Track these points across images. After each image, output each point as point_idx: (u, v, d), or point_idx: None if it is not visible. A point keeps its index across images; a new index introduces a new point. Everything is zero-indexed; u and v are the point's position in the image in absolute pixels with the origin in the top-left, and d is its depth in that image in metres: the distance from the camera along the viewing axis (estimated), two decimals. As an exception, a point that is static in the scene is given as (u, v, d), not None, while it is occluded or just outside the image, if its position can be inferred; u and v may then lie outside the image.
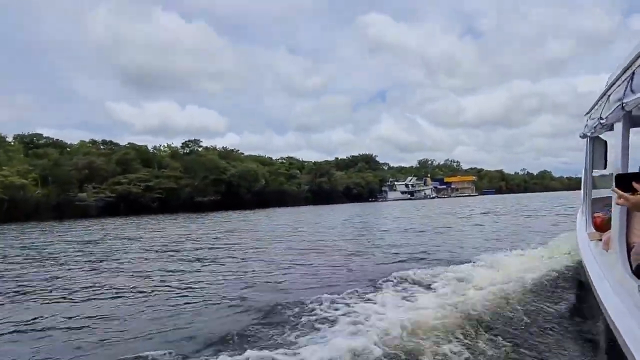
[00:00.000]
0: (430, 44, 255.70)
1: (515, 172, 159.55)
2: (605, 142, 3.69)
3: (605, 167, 3.80)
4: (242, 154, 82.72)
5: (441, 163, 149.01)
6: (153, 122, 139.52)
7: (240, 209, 59.50)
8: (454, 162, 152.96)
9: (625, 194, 1.64)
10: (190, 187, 58.82)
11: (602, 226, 3.50)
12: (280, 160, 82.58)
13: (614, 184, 1.73)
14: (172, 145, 70.11)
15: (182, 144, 67.80)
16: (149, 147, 68.06)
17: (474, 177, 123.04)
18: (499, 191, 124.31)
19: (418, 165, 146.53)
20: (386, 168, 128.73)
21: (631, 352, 1.62)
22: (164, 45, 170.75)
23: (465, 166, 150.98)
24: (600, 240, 3.10)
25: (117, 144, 64.88)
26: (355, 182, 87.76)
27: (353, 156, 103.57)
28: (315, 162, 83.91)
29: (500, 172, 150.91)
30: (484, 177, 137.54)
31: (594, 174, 4.12)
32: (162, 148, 68.99)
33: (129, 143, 65.70)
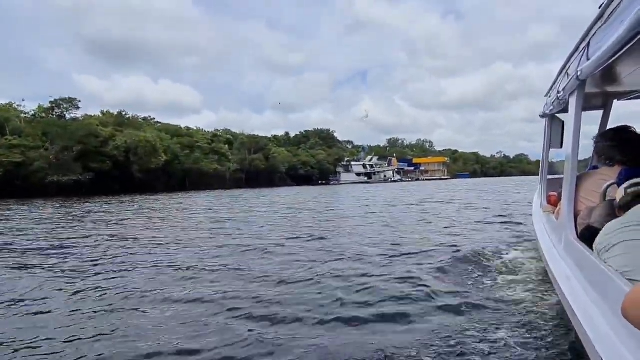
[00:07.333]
0: (412, 22, 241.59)
1: (491, 155, 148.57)
2: (563, 121, 3.62)
3: (561, 146, 3.72)
4: (156, 121, 64.50)
5: (412, 143, 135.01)
6: (123, 96, 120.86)
7: (131, 193, 43.00)
8: (427, 142, 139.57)
9: None
10: (43, 161, 40.87)
11: (556, 204, 3.36)
12: (201, 132, 64.26)
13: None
14: (45, 107, 50.86)
15: (50, 102, 48.35)
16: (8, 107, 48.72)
17: (446, 159, 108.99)
18: (474, 175, 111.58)
19: (387, 145, 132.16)
20: (350, 147, 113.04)
21: (573, 311, 1.69)
22: (134, 12, 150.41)
23: (439, 147, 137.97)
24: (553, 213, 3.18)
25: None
26: (303, 160, 71.45)
27: (306, 131, 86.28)
28: (249, 135, 66.14)
29: (476, 154, 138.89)
30: (458, 159, 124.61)
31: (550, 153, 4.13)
32: (24, 109, 49.41)
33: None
